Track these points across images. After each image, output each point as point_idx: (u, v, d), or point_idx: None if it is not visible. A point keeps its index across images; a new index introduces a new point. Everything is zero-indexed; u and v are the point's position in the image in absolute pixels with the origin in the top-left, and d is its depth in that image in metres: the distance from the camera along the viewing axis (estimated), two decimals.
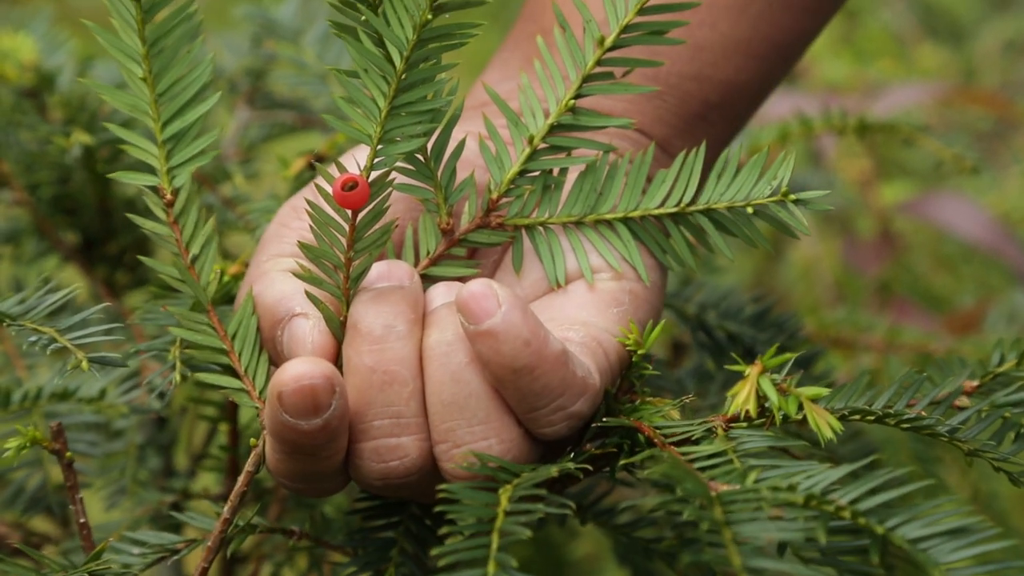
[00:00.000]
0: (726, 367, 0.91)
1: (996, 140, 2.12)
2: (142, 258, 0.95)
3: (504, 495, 0.84)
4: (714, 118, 0.99)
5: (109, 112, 1.20)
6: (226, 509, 0.90)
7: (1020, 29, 2.30)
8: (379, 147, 0.89)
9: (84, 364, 0.87)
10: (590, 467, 0.90)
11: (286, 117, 1.31)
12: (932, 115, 1.97)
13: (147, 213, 0.94)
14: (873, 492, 0.80)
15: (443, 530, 0.82)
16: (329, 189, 0.88)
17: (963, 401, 0.93)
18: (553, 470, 0.86)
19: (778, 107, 1.42)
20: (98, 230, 1.24)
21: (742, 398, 0.87)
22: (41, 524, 1.16)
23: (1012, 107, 1.98)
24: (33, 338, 0.88)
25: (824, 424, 0.86)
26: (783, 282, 1.86)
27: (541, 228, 0.95)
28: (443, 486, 0.85)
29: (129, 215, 0.95)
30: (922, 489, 0.82)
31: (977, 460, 0.91)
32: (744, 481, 0.81)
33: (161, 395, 0.98)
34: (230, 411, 1.09)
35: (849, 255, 1.85)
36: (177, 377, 0.92)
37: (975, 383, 0.94)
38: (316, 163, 0.91)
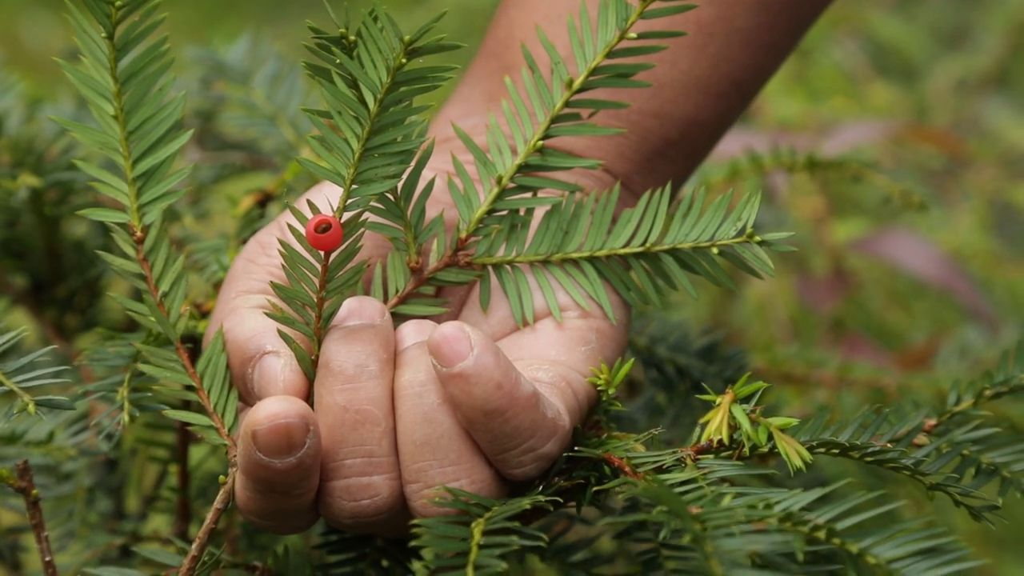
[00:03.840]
0: (698, 396, 0.92)
1: (947, 178, 2.13)
2: (112, 295, 0.95)
3: (477, 529, 0.84)
4: (673, 155, 1.00)
5: (57, 155, 1.19)
6: (194, 546, 0.91)
7: (971, 68, 2.32)
8: (352, 188, 0.89)
9: (31, 408, 0.87)
10: (560, 499, 0.90)
11: (236, 158, 1.30)
12: (884, 153, 1.98)
13: (103, 252, 0.94)
14: (847, 513, 0.80)
15: (416, 565, 0.82)
16: (302, 229, 0.88)
17: (922, 439, 0.94)
18: (525, 503, 0.87)
19: (729, 145, 1.42)
20: (47, 273, 1.23)
21: (714, 425, 0.89)
22: None
23: (963, 145, 1.99)
24: None
25: (794, 453, 0.87)
26: (738, 319, 1.87)
27: (508, 267, 0.95)
28: (417, 521, 0.86)
29: (99, 252, 0.95)
30: (892, 513, 0.83)
31: (933, 497, 0.91)
32: (719, 503, 0.82)
33: (109, 436, 0.98)
34: (180, 452, 1.09)
35: (803, 292, 1.86)
36: (126, 418, 0.92)
37: (933, 422, 0.95)
38: (289, 205, 0.91)
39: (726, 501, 0.82)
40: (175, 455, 1.10)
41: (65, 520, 1.12)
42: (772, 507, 0.80)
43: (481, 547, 0.83)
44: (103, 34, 0.91)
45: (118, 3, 0.89)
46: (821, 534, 0.80)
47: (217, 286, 1.01)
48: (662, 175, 0.99)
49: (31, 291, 1.24)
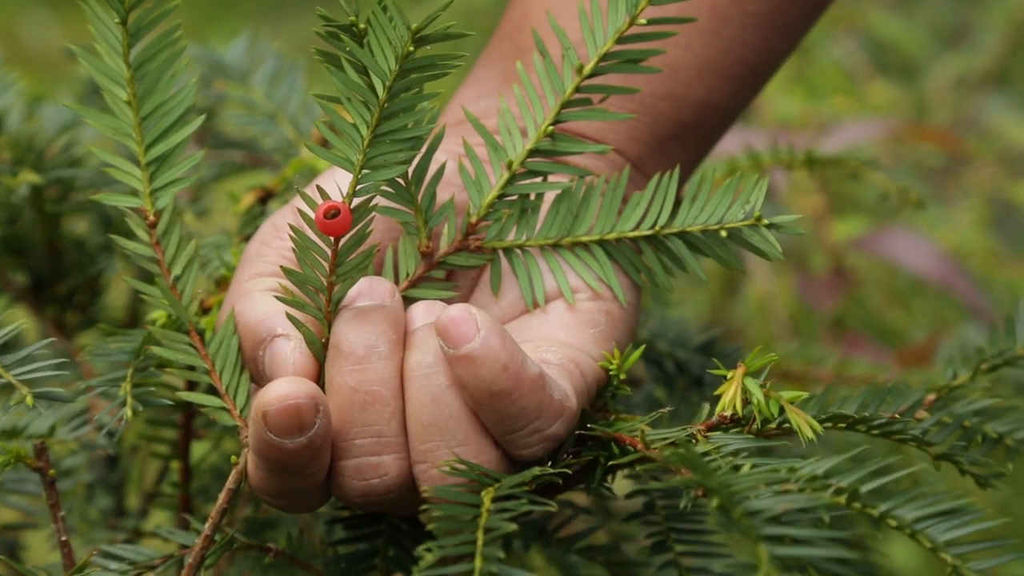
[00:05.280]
0: (710, 371, 0.92)
1: (947, 176, 2.14)
2: (127, 279, 0.96)
3: (487, 496, 0.86)
4: (686, 138, 1.00)
5: (58, 152, 1.20)
6: (207, 526, 0.91)
7: (970, 66, 2.32)
8: (362, 174, 0.90)
9: (29, 400, 0.87)
10: (569, 471, 0.91)
11: (236, 156, 1.31)
12: (884, 151, 1.98)
13: (103, 253, 0.95)
14: (868, 477, 0.82)
15: (431, 526, 0.83)
16: (312, 214, 0.89)
17: (922, 414, 0.96)
18: (535, 470, 0.88)
19: (728, 143, 1.43)
20: (47, 270, 1.23)
21: (728, 398, 0.90)
22: None
23: (962, 143, 1.99)
24: None
25: (805, 425, 0.88)
26: (739, 317, 1.87)
27: (519, 250, 0.96)
28: (427, 488, 0.87)
29: (112, 236, 0.95)
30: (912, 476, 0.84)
31: (939, 467, 0.93)
32: (739, 472, 0.83)
33: (111, 434, 0.98)
34: (182, 448, 1.09)
35: (803, 290, 1.86)
36: (128, 413, 0.92)
37: (932, 397, 0.97)
38: (299, 190, 0.91)
39: (746, 468, 0.83)
40: (176, 451, 1.10)
41: (65, 517, 1.12)
42: (795, 470, 0.82)
43: (491, 512, 0.84)
44: (116, 20, 0.91)
45: None
46: (843, 498, 0.81)
47: (219, 282, 1.02)
48: (675, 158, 0.99)
49: (32, 288, 1.24)
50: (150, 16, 0.91)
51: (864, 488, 0.81)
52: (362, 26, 0.88)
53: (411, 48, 0.87)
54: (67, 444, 1.05)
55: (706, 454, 0.86)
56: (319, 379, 0.91)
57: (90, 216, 1.25)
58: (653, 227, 0.94)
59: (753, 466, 0.84)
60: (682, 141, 1.00)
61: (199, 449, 1.13)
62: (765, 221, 0.92)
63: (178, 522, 1.10)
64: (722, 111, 1.01)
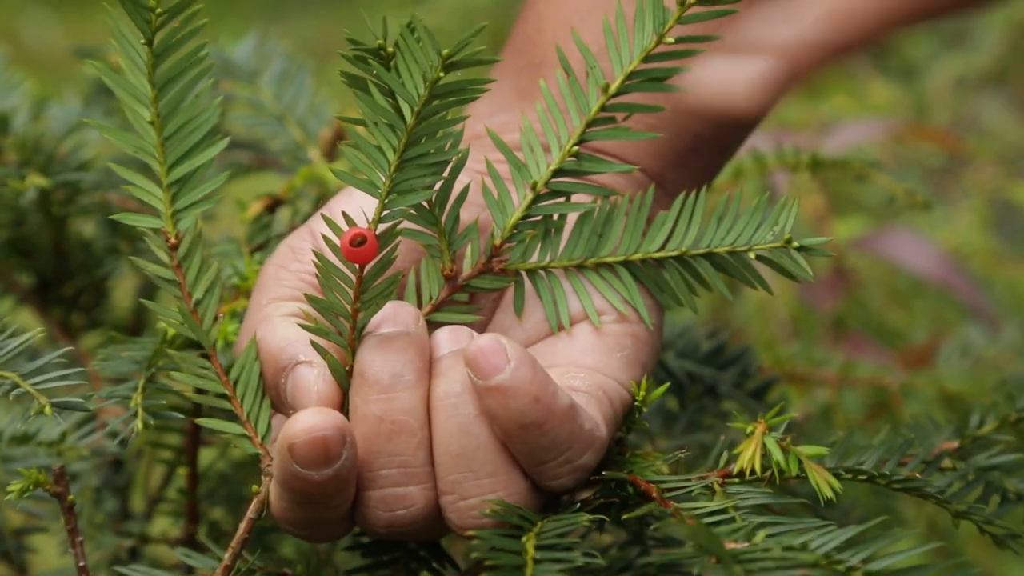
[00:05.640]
0: (730, 424, 0.92)
1: (947, 176, 2.13)
2: (145, 302, 0.94)
3: (529, 543, 0.85)
4: (705, 150, 0.99)
5: (65, 154, 1.19)
6: (227, 556, 0.90)
7: (971, 66, 2.32)
8: (388, 199, 0.89)
9: (47, 409, 0.87)
10: (606, 518, 0.90)
11: (243, 157, 1.30)
12: (884, 151, 1.98)
13: (110, 256, 0.93)
14: (881, 553, 0.81)
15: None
16: (336, 240, 0.88)
17: (947, 464, 0.95)
18: (583, 519, 0.87)
19: None
20: (54, 272, 1.23)
21: (747, 456, 0.89)
22: None
23: (962, 143, 1.99)
24: None
25: (824, 484, 0.88)
26: (739, 318, 1.87)
27: (543, 272, 0.95)
28: (472, 532, 0.86)
29: (132, 258, 0.94)
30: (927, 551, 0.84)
31: (958, 525, 0.93)
32: (752, 539, 0.82)
33: (123, 442, 0.97)
34: (190, 455, 1.09)
35: (803, 291, 1.86)
36: (139, 425, 0.91)
37: (955, 444, 0.96)
38: (322, 215, 0.90)
39: (760, 537, 0.82)
40: (183, 457, 1.09)
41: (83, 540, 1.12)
42: (807, 547, 0.81)
43: (536, 561, 0.83)
44: (142, 40, 0.90)
45: (158, 10, 0.88)
46: (857, 575, 0.80)
47: (229, 290, 1.01)
48: (695, 171, 0.98)
49: (37, 290, 1.24)
50: (176, 36, 0.90)
51: (876, 566, 0.80)
52: (390, 50, 0.87)
53: (440, 74, 0.86)
54: (77, 450, 1.05)
55: (722, 511, 0.85)
56: (343, 408, 0.90)
57: (96, 218, 1.25)
58: (679, 248, 0.93)
59: (768, 532, 0.83)
60: (701, 154, 0.99)
61: (207, 455, 1.13)
62: (795, 244, 0.91)
63: (184, 530, 1.09)
64: (741, 123, 1.00)
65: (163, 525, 1.19)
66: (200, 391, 0.92)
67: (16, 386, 0.87)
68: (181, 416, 0.93)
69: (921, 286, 1.96)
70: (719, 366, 1.13)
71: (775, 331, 1.88)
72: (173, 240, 0.92)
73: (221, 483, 1.15)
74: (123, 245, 1.25)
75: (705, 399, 1.13)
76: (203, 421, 0.92)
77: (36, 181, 1.15)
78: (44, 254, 1.22)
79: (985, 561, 1.70)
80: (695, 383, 1.13)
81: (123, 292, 1.28)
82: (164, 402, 0.92)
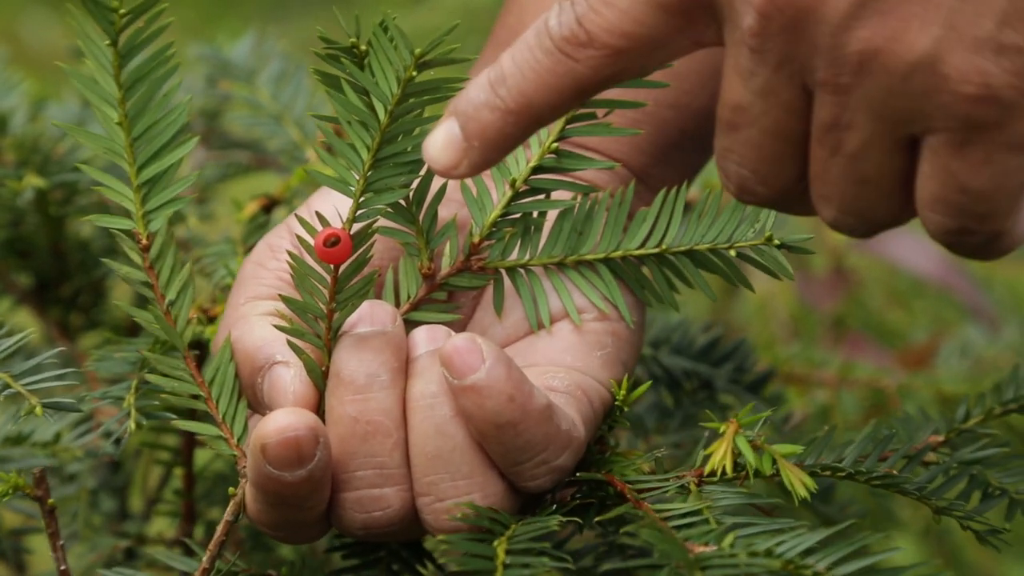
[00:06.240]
0: (702, 424, 0.91)
1: None
2: (119, 303, 0.94)
3: (500, 547, 0.84)
4: (689, 146, 0.98)
5: (63, 154, 1.19)
6: (205, 559, 0.90)
7: None
8: (362, 198, 0.88)
9: (38, 410, 0.86)
10: (580, 520, 0.90)
11: (241, 157, 1.30)
12: None
13: (105, 253, 0.93)
14: (850, 557, 0.80)
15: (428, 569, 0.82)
16: (310, 240, 0.87)
17: (931, 458, 0.94)
18: (553, 524, 0.86)
19: None
20: (51, 272, 1.23)
21: (719, 456, 0.88)
22: None
23: None
24: None
25: (798, 482, 0.87)
26: (739, 318, 1.87)
27: (522, 270, 0.94)
28: (442, 537, 0.85)
29: (105, 260, 0.93)
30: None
31: (939, 521, 0.91)
32: (721, 542, 0.82)
33: (117, 441, 0.97)
34: (186, 455, 1.09)
35: (803, 291, 1.85)
36: (132, 426, 0.91)
37: (940, 438, 0.95)
38: (297, 215, 0.89)
39: (728, 541, 0.81)
40: (180, 457, 1.09)
41: (69, 522, 1.12)
42: (772, 553, 0.80)
43: (507, 566, 0.82)
44: (107, 41, 0.89)
45: (122, 10, 0.88)
46: None
47: (225, 291, 1.01)
48: (677, 167, 0.97)
49: (35, 290, 1.24)
50: (142, 36, 0.89)
51: (845, 570, 0.79)
52: (363, 48, 0.86)
53: (413, 73, 0.85)
54: (72, 451, 1.05)
55: (695, 512, 0.85)
56: (319, 408, 0.89)
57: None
58: (659, 245, 0.93)
59: (737, 536, 0.82)
60: (684, 150, 0.98)
61: (204, 455, 1.13)
62: (776, 240, 0.91)
63: (179, 531, 1.09)
64: None
65: (161, 526, 1.19)
66: (174, 393, 0.92)
67: (8, 386, 0.87)
68: (173, 417, 0.93)
69: (921, 286, 1.96)
70: (714, 362, 1.13)
71: (775, 331, 1.88)
72: (145, 241, 0.92)
73: (218, 483, 1.14)
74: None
75: (701, 394, 1.12)
76: (179, 423, 0.92)
77: (34, 181, 1.15)
78: (42, 254, 1.22)
79: (985, 561, 1.70)
80: (690, 378, 1.12)
81: (121, 292, 1.28)
82: (157, 403, 0.92)
